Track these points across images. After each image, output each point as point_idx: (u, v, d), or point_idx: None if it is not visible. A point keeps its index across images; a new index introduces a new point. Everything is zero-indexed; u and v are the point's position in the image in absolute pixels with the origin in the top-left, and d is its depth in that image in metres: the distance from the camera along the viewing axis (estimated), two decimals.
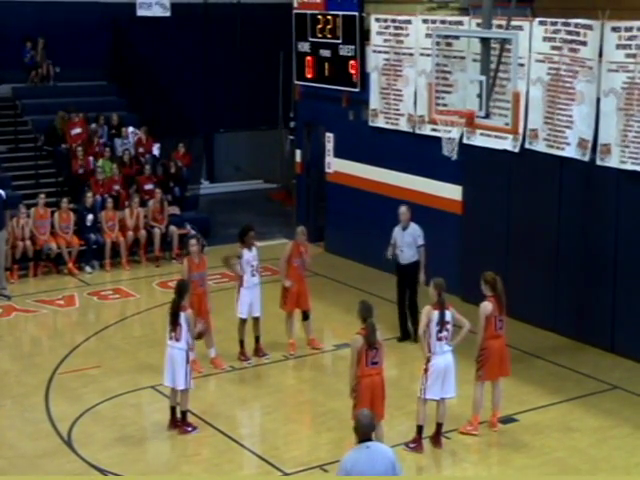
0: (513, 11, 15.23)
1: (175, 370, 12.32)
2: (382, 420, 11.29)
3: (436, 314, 11.76)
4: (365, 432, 8.32)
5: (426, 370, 11.82)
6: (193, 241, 14.65)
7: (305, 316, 15.30)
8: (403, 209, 15.53)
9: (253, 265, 14.74)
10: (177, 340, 12.28)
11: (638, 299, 14.72)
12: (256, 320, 14.88)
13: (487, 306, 12.19)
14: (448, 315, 11.81)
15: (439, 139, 15.12)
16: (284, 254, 15.12)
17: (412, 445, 11.93)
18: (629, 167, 14.53)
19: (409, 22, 18.02)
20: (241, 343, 14.88)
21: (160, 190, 20.76)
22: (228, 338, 14.95)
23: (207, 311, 14.28)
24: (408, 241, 15.40)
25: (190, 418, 12.59)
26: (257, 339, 15.00)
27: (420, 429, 11.95)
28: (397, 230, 15.51)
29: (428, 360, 11.80)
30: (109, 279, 19.27)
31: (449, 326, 11.80)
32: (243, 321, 14.82)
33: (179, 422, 12.52)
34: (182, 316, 12.27)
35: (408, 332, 15.48)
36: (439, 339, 11.74)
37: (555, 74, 15.30)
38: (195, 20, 25.38)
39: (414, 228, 15.44)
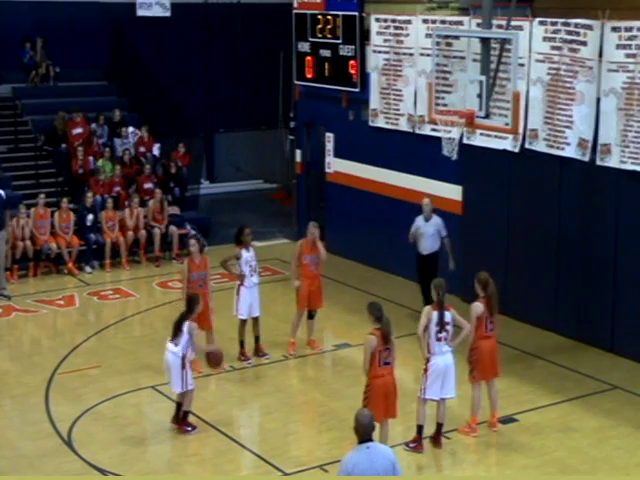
0: (513, 11, 15.22)
1: (171, 374, 12.35)
2: (393, 419, 11.37)
3: (435, 314, 11.76)
4: (365, 432, 8.31)
5: (426, 370, 11.83)
6: (193, 241, 14.68)
7: (310, 315, 15.28)
8: (427, 201, 16.07)
9: (252, 265, 14.73)
10: (175, 345, 12.28)
11: (638, 299, 14.72)
12: (255, 320, 14.87)
13: (478, 306, 12.21)
14: (448, 316, 11.80)
15: (439, 139, 15.13)
16: (294, 253, 15.09)
17: (412, 445, 11.94)
18: (629, 167, 14.52)
19: (409, 22, 18.01)
20: (241, 344, 14.88)
21: (160, 190, 20.77)
22: (228, 338, 14.95)
23: (209, 311, 14.27)
24: (431, 232, 15.93)
25: (190, 418, 12.58)
26: (257, 339, 15.00)
27: (420, 429, 11.95)
28: (419, 220, 15.98)
29: (428, 360, 11.82)
30: (109, 279, 19.27)
31: (449, 327, 11.79)
32: (243, 322, 14.81)
33: (180, 421, 12.53)
34: (186, 324, 12.27)
35: None
36: (439, 339, 11.74)
37: (555, 74, 15.29)
38: (195, 20, 25.38)
39: (436, 219, 15.93)
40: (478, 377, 12.32)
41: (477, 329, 12.17)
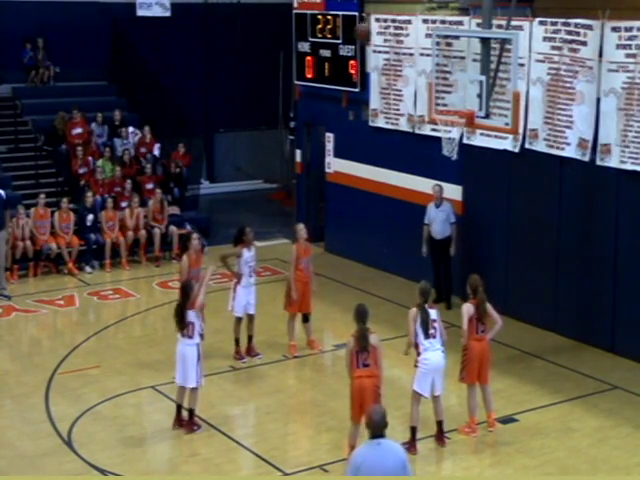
0: (513, 11, 15.23)
1: (187, 367, 12.28)
2: None
3: (420, 314, 11.77)
4: (376, 428, 8.34)
5: (417, 365, 11.85)
6: (196, 235, 14.64)
7: (305, 318, 15.25)
8: (437, 188, 16.85)
9: (251, 265, 14.72)
10: (190, 337, 12.23)
11: (638, 299, 14.72)
12: (251, 318, 14.84)
13: (470, 308, 12.27)
14: (433, 313, 11.86)
15: (439, 139, 15.13)
16: (292, 260, 14.97)
17: (406, 446, 11.92)
18: (629, 167, 14.53)
19: (409, 22, 18.01)
20: (236, 342, 14.87)
21: (160, 190, 20.76)
22: (227, 338, 14.95)
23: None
24: (441, 217, 16.83)
25: None
26: (250, 338, 14.96)
27: (413, 430, 11.94)
28: (431, 207, 16.79)
29: (419, 354, 11.85)
30: (109, 279, 19.26)
31: (436, 324, 11.85)
32: (238, 320, 14.80)
33: (184, 420, 12.51)
34: (191, 314, 12.21)
35: (442, 295, 16.75)
36: (428, 337, 11.77)
37: (555, 74, 15.29)
38: (195, 20, 25.38)
39: (447, 205, 16.85)
40: (466, 379, 12.34)
41: (469, 329, 12.23)
